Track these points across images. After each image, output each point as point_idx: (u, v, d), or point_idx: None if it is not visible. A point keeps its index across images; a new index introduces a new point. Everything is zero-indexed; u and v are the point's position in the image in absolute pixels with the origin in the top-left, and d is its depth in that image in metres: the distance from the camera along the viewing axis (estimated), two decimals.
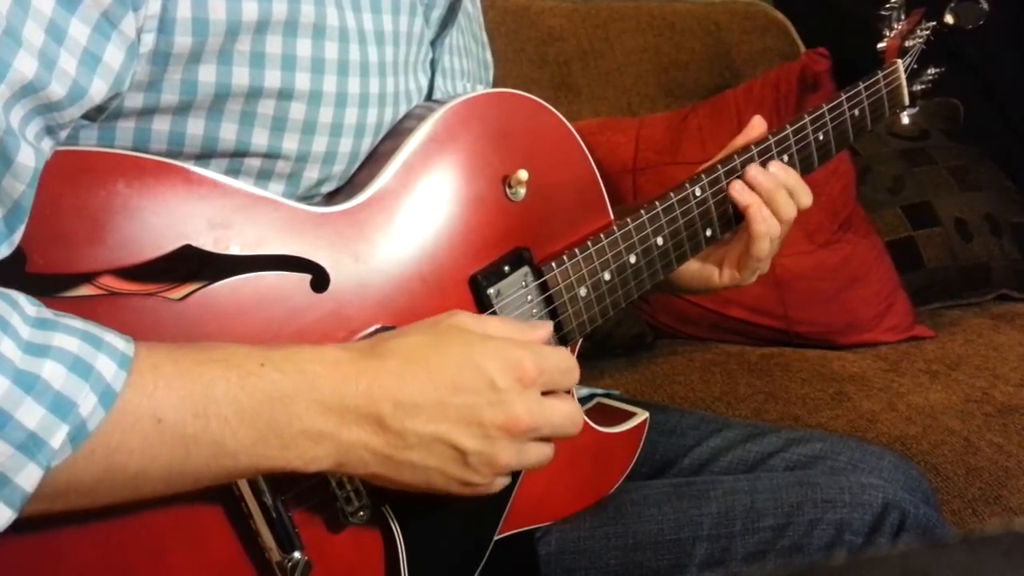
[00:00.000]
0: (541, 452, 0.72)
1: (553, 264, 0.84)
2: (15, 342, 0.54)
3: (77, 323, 0.57)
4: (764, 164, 0.99)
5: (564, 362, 0.73)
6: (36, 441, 0.54)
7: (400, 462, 0.66)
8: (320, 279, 0.71)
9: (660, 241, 0.92)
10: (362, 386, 0.64)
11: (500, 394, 0.67)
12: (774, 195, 0.97)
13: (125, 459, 0.57)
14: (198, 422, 0.59)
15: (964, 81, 1.25)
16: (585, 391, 1.06)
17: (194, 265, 0.67)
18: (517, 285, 0.82)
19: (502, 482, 0.71)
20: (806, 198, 1.00)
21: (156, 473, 0.59)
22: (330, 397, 0.63)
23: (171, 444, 0.58)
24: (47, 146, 0.60)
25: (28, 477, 0.54)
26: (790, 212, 0.98)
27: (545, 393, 0.71)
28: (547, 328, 0.76)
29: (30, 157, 0.57)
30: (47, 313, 0.57)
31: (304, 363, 0.63)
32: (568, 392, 0.75)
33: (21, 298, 0.56)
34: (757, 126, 1.01)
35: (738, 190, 0.97)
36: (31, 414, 0.53)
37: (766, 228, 0.96)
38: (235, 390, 0.60)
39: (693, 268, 1.02)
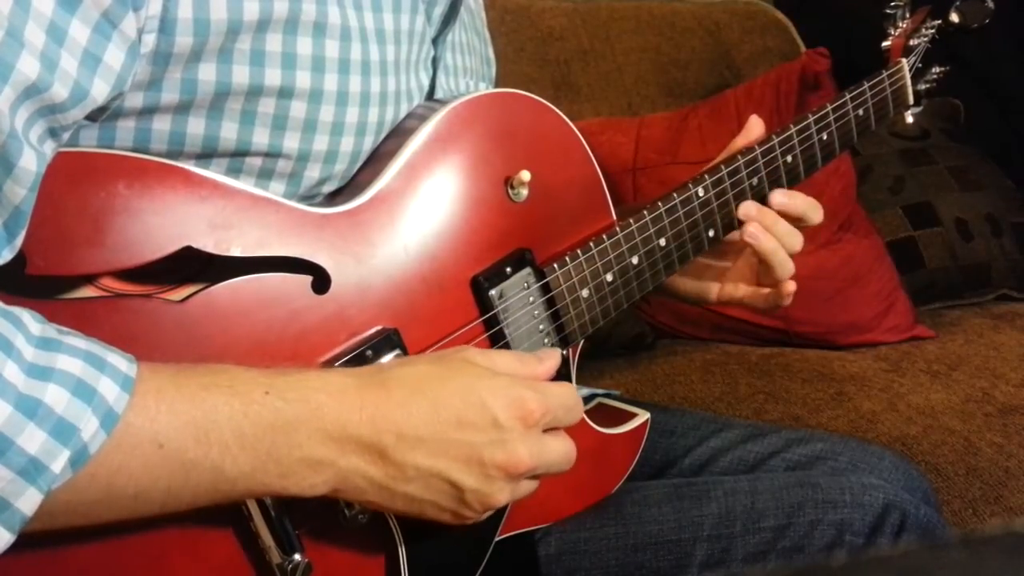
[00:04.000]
0: (530, 487, 0.73)
1: (555, 265, 0.84)
2: (18, 365, 0.53)
3: (81, 343, 0.57)
4: (767, 165, 0.99)
5: (568, 399, 0.73)
6: (37, 466, 0.53)
7: (396, 493, 0.66)
8: (321, 280, 0.71)
9: (663, 242, 0.92)
10: (366, 415, 0.64)
11: (503, 433, 0.67)
12: (774, 228, 0.96)
13: (125, 482, 0.57)
14: (199, 448, 0.58)
15: (965, 81, 1.25)
16: (586, 391, 1.06)
17: (195, 267, 0.67)
18: (519, 286, 0.82)
19: (489, 514, 0.72)
20: (816, 215, 0.98)
21: (155, 496, 0.59)
22: (333, 426, 0.63)
23: (171, 468, 0.58)
24: (49, 149, 0.60)
25: (28, 501, 0.54)
26: (794, 243, 0.96)
27: (545, 430, 0.71)
28: (555, 359, 0.76)
29: (32, 161, 0.57)
30: (51, 331, 0.56)
31: (309, 392, 0.63)
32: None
33: (26, 315, 0.56)
34: (755, 126, 1.01)
35: (752, 233, 0.94)
36: (33, 439, 0.53)
37: (786, 271, 0.95)
38: (238, 417, 0.60)
39: (688, 286, 1.02)
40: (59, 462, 0.54)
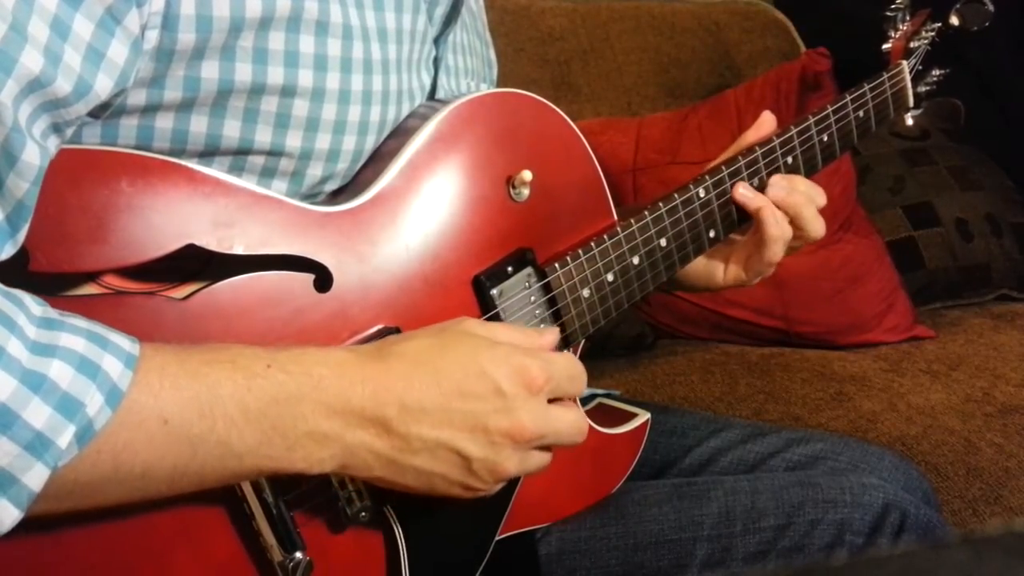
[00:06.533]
0: (542, 459, 0.72)
1: (556, 265, 0.84)
2: (22, 342, 0.54)
3: (82, 323, 0.57)
4: (768, 166, 0.99)
5: (571, 369, 0.73)
6: (43, 441, 0.53)
7: (404, 466, 0.66)
8: (323, 279, 0.71)
9: (663, 242, 0.92)
10: (368, 389, 0.64)
11: (506, 401, 0.67)
12: (803, 209, 0.97)
13: (131, 459, 0.57)
14: (204, 423, 0.59)
15: (964, 81, 1.25)
16: (586, 391, 1.06)
17: (197, 264, 0.67)
18: (520, 286, 0.82)
19: (501, 485, 0.72)
20: (820, 199, 0.99)
21: (162, 473, 0.59)
22: (336, 399, 0.63)
23: (177, 444, 0.58)
24: (52, 144, 0.60)
25: (35, 477, 0.54)
26: (818, 228, 0.98)
27: (552, 401, 0.71)
28: (554, 334, 0.76)
29: (35, 155, 0.57)
30: (52, 313, 0.57)
31: (310, 365, 0.63)
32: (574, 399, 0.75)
33: (27, 298, 0.56)
34: (768, 122, 1.01)
35: (742, 193, 0.96)
36: (38, 414, 0.53)
37: (779, 232, 0.96)
38: (241, 391, 0.60)
39: (698, 266, 1.01)
40: (65, 437, 0.54)
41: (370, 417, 0.64)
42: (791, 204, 0.96)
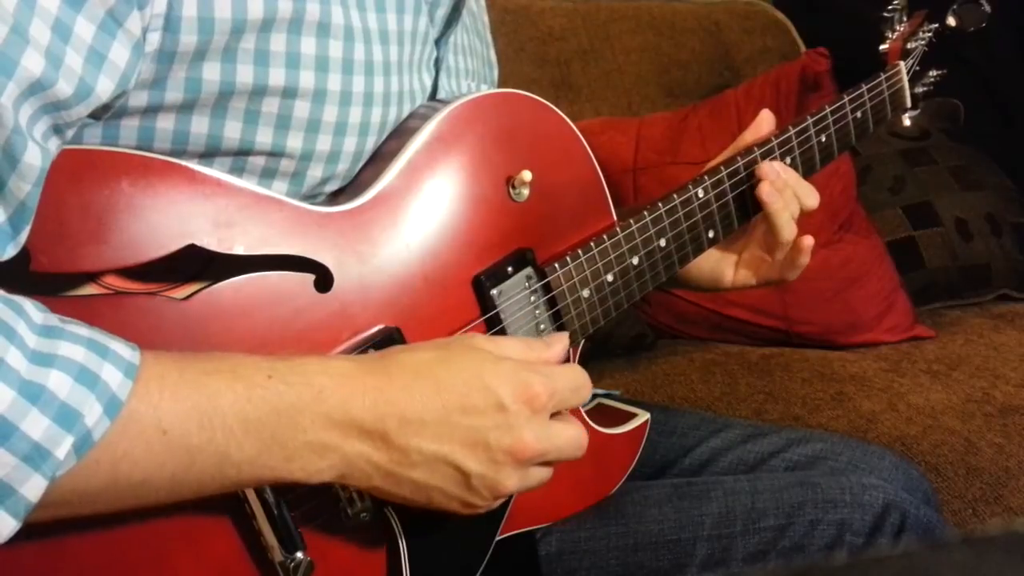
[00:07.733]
0: (543, 475, 0.72)
1: (556, 265, 0.84)
2: (21, 351, 0.53)
3: (83, 331, 0.57)
4: None
5: (576, 380, 0.72)
6: (41, 452, 0.53)
7: (402, 478, 0.66)
8: (324, 279, 0.71)
9: (663, 243, 0.92)
10: (368, 400, 0.63)
11: (508, 417, 0.67)
12: (784, 192, 0.96)
13: (130, 469, 0.57)
14: (203, 433, 0.58)
15: (964, 81, 1.25)
16: None
17: (198, 265, 0.67)
18: (520, 286, 0.82)
19: (500, 503, 0.71)
20: (811, 199, 0.98)
21: (160, 482, 0.59)
22: (336, 410, 0.63)
23: (176, 454, 0.58)
24: (53, 145, 0.60)
25: (33, 488, 0.54)
26: (794, 210, 0.97)
27: (553, 415, 0.71)
28: (563, 343, 0.75)
29: (36, 157, 0.57)
30: (53, 320, 0.57)
31: (311, 375, 0.63)
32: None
33: (28, 304, 0.56)
34: (766, 121, 1.00)
35: (768, 192, 0.95)
36: (36, 425, 0.53)
37: (790, 233, 0.95)
38: (241, 401, 0.60)
39: (705, 267, 1.01)
40: (63, 448, 0.54)
41: (370, 429, 0.64)
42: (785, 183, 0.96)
